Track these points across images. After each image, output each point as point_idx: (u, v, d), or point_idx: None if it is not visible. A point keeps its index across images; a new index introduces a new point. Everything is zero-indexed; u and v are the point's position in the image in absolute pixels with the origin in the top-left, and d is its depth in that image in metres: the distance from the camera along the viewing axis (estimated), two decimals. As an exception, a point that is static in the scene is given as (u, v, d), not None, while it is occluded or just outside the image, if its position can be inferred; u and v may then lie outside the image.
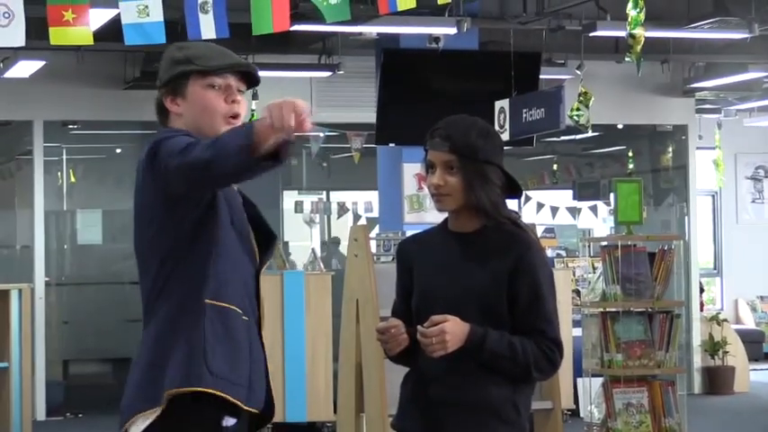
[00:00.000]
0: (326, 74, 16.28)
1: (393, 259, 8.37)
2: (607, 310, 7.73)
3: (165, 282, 4.82)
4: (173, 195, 4.65)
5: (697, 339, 18.81)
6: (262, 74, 16.84)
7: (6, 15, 6.87)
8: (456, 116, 5.15)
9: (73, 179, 19.05)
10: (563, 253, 18.37)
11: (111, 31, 7.12)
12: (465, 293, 4.82)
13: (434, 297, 4.85)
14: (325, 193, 20.33)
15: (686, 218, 19.81)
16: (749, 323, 22.09)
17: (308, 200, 20.15)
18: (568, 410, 12.97)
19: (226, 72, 4.95)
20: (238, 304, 4.88)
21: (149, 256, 4.90)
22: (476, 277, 4.80)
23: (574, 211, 21.76)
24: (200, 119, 4.91)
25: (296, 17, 8.02)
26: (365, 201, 18.05)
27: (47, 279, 17.63)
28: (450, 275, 4.88)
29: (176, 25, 6.90)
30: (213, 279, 4.79)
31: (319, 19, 7.91)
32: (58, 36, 6.86)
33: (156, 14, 6.95)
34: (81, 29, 6.88)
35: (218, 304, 4.79)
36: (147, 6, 6.91)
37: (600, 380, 7.84)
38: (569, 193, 22.40)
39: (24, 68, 15.84)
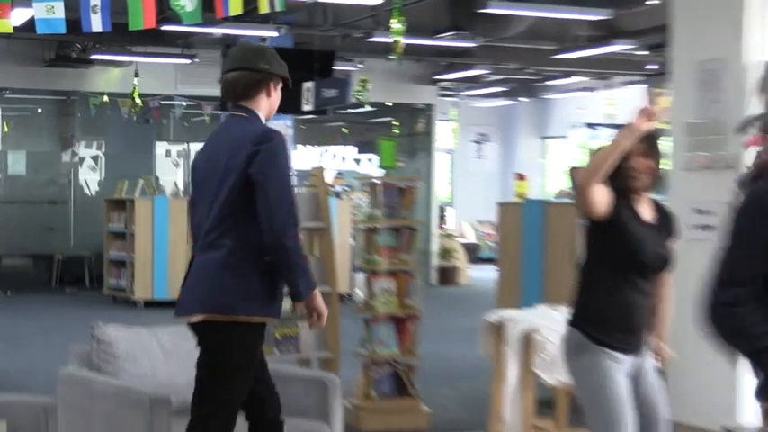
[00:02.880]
0: (187, 61, 16.17)
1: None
2: (371, 226, 7.76)
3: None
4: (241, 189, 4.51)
5: (435, 248, 19.14)
6: (141, 59, 16.46)
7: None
8: None
9: (6, 129, 18.69)
10: (348, 189, 18.51)
11: (32, 24, 7.03)
12: None
13: None
14: (186, 144, 20.12)
15: (431, 167, 20.10)
16: (471, 238, 22.47)
17: (174, 148, 20.04)
18: (346, 293, 13.13)
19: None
20: None
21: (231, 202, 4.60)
22: None
23: (357, 161, 21.96)
24: (272, 111, 4.78)
25: (165, 20, 7.98)
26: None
27: (-13, 199, 17.44)
28: None
29: (74, 22, 6.81)
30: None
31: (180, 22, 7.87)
32: (-12, 26, 6.79)
33: (60, 12, 6.86)
34: (4, 21, 6.78)
35: None
36: (53, 6, 6.82)
37: (364, 273, 7.89)
38: (354, 149, 22.51)
39: (-28, 50, 15.57)
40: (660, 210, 4.79)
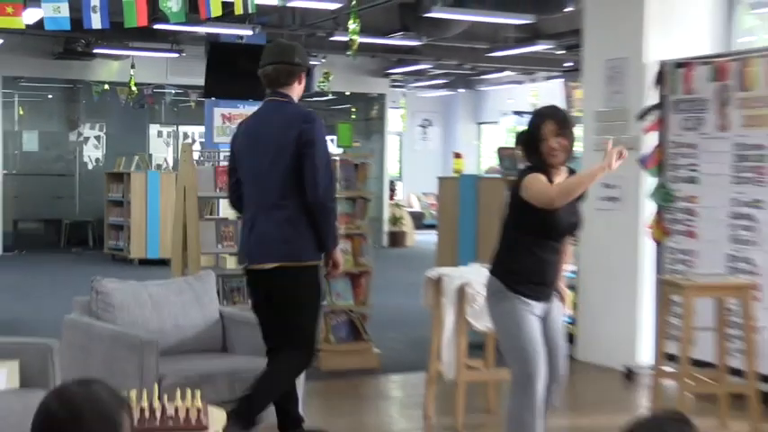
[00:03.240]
0: (175, 55, 16.01)
1: (210, 164, 8.35)
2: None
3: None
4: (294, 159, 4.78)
5: (386, 215, 19.15)
6: (136, 53, 16.18)
7: (-30, 7, 6.66)
8: None
9: (21, 112, 18.53)
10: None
11: (42, 22, 6.96)
12: None
13: None
14: (175, 126, 19.98)
15: (383, 147, 20.09)
16: (416, 207, 22.46)
17: (165, 130, 19.87)
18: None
19: None
20: None
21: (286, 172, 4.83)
22: None
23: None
24: (300, 94, 5.05)
25: (156, 19, 7.92)
26: (199, 131, 17.78)
27: (5, 171, 17.23)
28: None
29: (77, 20, 6.75)
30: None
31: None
32: (3, 22, 6.69)
33: (65, 12, 6.79)
34: (17, 19, 6.69)
35: None
36: (59, 6, 6.75)
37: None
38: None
39: (-10, 44, 15.41)
40: (572, 174, 4.82)
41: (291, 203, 4.85)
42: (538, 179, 4.58)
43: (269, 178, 4.87)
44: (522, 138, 4.85)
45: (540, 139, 4.64)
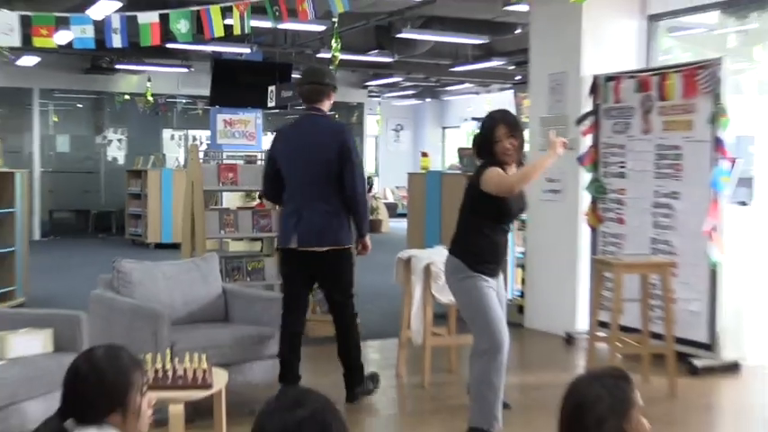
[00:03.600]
0: (185, 70, 15.96)
1: (214, 162, 8.30)
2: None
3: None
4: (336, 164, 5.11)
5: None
6: (152, 69, 15.99)
7: (10, 30, 6.56)
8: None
9: (56, 119, 18.39)
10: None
11: (71, 42, 6.91)
12: None
13: None
14: (185, 130, 19.87)
15: (362, 148, 20.07)
16: (391, 199, 22.40)
17: (177, 133, 19.74)
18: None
19: None
20: None
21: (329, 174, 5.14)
22: None
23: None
24: (329, 108, 5.38)
25: (168, 40, 7.86)
26: (205, 135, 17.69)
27: (42, 169, 17.15)
28: None
29: (101, 40, 6.70)
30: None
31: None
32: (38, 42, 6.61)
33: (90, 33, 6.71)
34: (49, 39, 6.62)
35: None
36: (85, 29, 6.69)
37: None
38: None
39: (29, 61, 15.39)
40: (521, 165, 4.77)
41: (334, 200, 5.16)
42: (497, 171, 4.56)
43: (315, 179, 5.16)
44: (477, 139, 4.83)
45: (495, 141, 4.61)
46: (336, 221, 5.18)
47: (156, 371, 3.90)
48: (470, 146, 13.88)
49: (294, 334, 5.32)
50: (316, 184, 5.16)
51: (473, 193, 4.67)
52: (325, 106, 5.32)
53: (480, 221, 4.65)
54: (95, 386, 2.28)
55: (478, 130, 4.79)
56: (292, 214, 5.21)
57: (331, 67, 10.30)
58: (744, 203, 6.70)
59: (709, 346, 6.40)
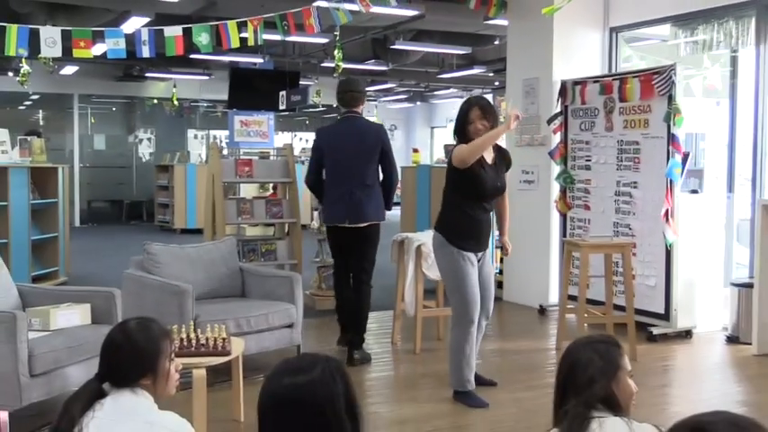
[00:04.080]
0: (206, 77, 15.85)
1: (232, 158, 8.25)
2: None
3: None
4: (377, 156, 5.54)
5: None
6: (177, 76, 15.87)
7: (53, 42, 6.51)
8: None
9: (93, 121, 18.30)
10: (306, 160, 18.04)
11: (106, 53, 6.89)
12: None
13: None
14: (207, 130, 19.80)
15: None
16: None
17: (199, 133, 19.66)
18: (308, 223, 12.99)
19: None
20: None
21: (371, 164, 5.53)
22: None
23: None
24: (361, 111, 5.67)
25: (191, 50, 7.81)
26: (224, 134, 17.60)
27: (81, 165, 17.06)
28: None
29: (132, 51, 6.67)
30: None
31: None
32: (77, 53, 6.58)
33: (122, 45, 6.70)
34: (87, 51, 6.58)
35: None
36: (118, 41, 6.66)
37: (318, 211, 7.81)
38: (313, 133, 21.85)
39: (70, 70, 15.22)
40: (499, 150, 4.72)
41: (374, 184, 5.52)
42: (459, 146, 4.47)
43: (361, 168, 5.47)
44: (455, 123, 4.66)
45: (468, 122, 4.52)
46: (377, 201, 5.52)
47: (182, 340, 3.88)
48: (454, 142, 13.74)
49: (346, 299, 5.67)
50: (361, 171, 5.46)
51: (451, 174, 4.56)
52: (360, 109, 5.62)
53: (460, 199, 4.54)
54: (129, 353, 2.27)
55: (456, 115, 4.69)
56: (342, 197, 5.47)
57: (335, 75, 10.28)
58: (695, 191, 6.69)
59: (665, 316, 6.40)
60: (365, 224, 5.49)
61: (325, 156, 5.57)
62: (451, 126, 4.78)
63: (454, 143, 4.67)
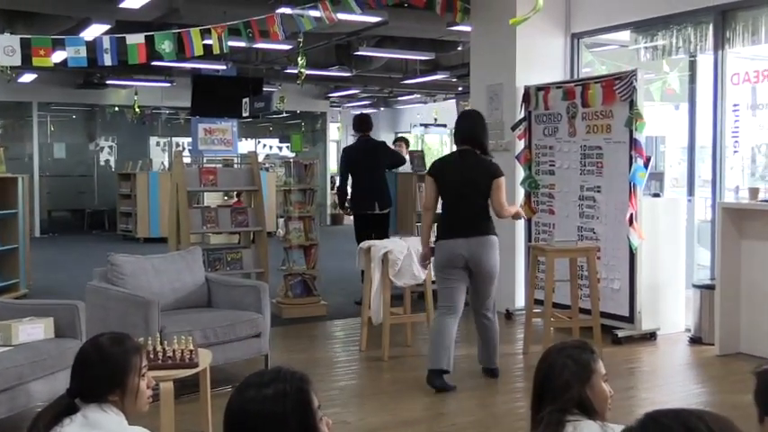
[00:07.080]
0: (168, 84, 15.70)
1: (195, 166, 8.18)
2: (287, 188, 7.66)
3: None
4: (385, 160, 8.37)
5: (328, 201, 18.99)
6: (138, 84, 15.66)
7: (12, 51, 6.41)
8: None
9: (52, 129, 18.00)
10: (272, 165, 17.80)
11: (66, 61, 6.78)
12: None
13: None
14: (169, 138, 19.60)
15: (326, 151, 19.97)
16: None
17: (162, 140, 19.44)
18: (274, 231, 12.94)
19: None
20: None
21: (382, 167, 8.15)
22: None
23: (279, 148, 21.32)
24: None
25: (153, 58, 7.73)
26: (187, 141, 17.46)
27: (40, 173, 16.80)
28: None
29: (93, 59, 6.59)
30: None
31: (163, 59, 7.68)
32: (37, 62, 6.48)
33: (84, 53, 6.61)
34: (47, 59, 6.49)
35: None
36: (79, 49, 6.57)
37: (283, 218, 7.79)
38: (276, 140, 21.77)
39: (28, 77, 15.02)
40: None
41: (386, 181, 8.04)
42: (503, 188, 5.14)
43: (376, 170, 7.97)
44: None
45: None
46: (388, 193, 8.04)
47: (148, 352, 3.83)
48: (418, 148, 13.71)
49: None
50: (377, 172, 7.95)
51: (488, 186, 5.05)
52: (370, 132, 8.15)
53: (489, 207, 5.16)
54: (97, 368, 2.25)
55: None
56: (366, 191, 7.89)
57: (299, 82, 10.28)
58: (657, 195, 6.78)
59: (630, 319, 6.47)
60: (386, 211, 8.02)
61: (350, 166, 8.10)
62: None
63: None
